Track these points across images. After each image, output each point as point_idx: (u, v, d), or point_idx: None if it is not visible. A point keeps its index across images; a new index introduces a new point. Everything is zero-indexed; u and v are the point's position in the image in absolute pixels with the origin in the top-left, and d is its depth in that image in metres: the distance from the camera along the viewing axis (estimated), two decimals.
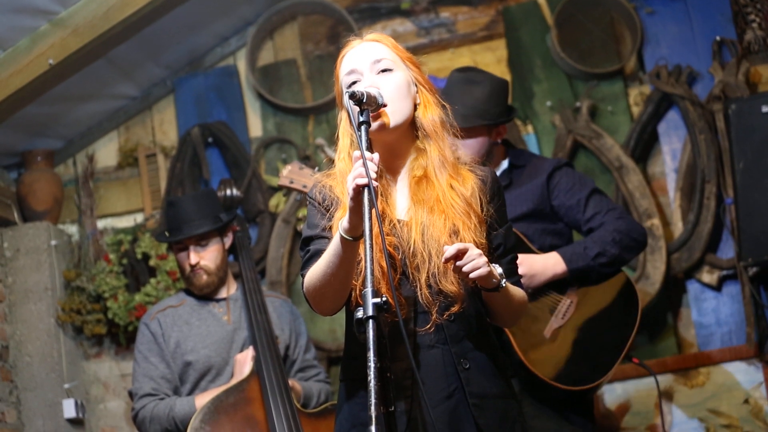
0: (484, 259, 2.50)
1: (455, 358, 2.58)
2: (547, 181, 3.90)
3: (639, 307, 3.79)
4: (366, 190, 2.40)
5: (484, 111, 3.85)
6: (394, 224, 2.61)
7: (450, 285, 2.57)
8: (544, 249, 3.82)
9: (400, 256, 2.58)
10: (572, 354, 3.68)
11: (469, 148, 3.79)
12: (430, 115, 2.69)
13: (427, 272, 2.57)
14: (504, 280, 2.59)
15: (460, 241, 2.56)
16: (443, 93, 3.84)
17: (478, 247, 2.55)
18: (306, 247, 2.70)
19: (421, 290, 2.57)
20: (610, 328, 3.75)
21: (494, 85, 3.94)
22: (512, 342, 3.63)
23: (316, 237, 2.68)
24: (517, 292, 2.71)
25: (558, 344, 3.69)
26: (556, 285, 3.77)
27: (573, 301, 3.76)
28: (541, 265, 3.72)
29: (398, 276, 2.58)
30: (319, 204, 2.69)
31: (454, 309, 2.58)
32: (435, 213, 2.60)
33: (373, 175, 2.40)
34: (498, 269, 2.58)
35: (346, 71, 2.68)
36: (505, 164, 3.99)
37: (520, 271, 3.53)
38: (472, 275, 2.49)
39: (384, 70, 2.65)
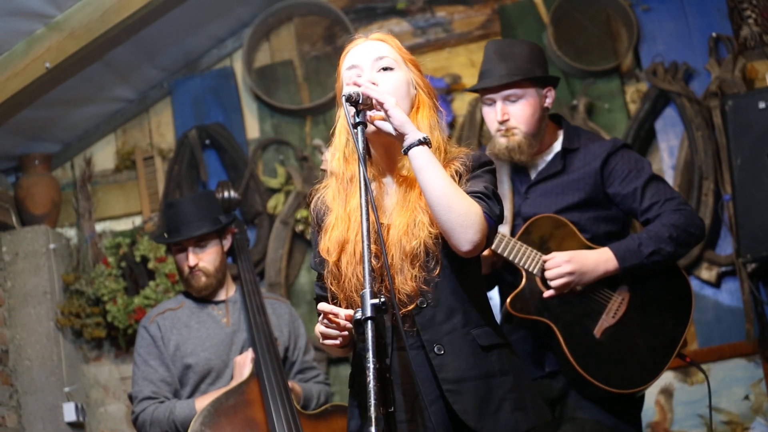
0: (393, 100, 2.54)
1: (427, 345, 2.57)
2: (602, 169, 3.69)
3: (692, 301, 3.65)
4: (364, 192, 2.44)
5: (528, 69, 3.66)
6: (375, 230, 2.61)
7: (404, 284, 2.57)
8: (598, 237, 3.67)
9: (379, 263, 2.56)
10: (623, 355, 3.55)
11: (520, 111, 3.63)
12: (422, 117, 2.69)
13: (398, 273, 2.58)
14: (424, 146, 2.52)
15: (415, 236, 2.57)
16: (483, 64, 3.74)
17: (434, 239, 2.56)
18: (315, 281, 2.79)
19: (399, 292, 2.57)
20: (662, 326, 3.61)
21: (533, 47, 3.76)
22: (560, 341, 3.54)
23: (319, 276, 2.74)
24: (453, 184, 2.54)
25: (609, 344, 3.56)
26: (607, 281, 3.61)
27: (624, 299, 3.61)
28: (593, 262, 3.55)
29: (379, 282, 2.57)
30: (315, 221, 2.74)
31: (410, 307, 2.57)
32: (404, 212, 2.62)
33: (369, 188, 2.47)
34: (419, 134, 2.53)
35: (347, 66, 2.71)
36: (557, 147, 3.78)
37: (571, 268, 3.51)
38: (371, 93, 2.52)
39: (385, 69, 2.67)
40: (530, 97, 3.66)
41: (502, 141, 3.65)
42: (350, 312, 2.49)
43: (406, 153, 2.54)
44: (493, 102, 3.67)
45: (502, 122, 3.64)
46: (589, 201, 3.69)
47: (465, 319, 2.61)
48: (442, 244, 2.57)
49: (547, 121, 3.76)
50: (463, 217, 2.49)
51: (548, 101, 3.72)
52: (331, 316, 2.48)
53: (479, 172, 2.66)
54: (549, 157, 3.77)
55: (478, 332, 2.62)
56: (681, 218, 3.61)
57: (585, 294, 3.60)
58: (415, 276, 2.56)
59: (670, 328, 3.61)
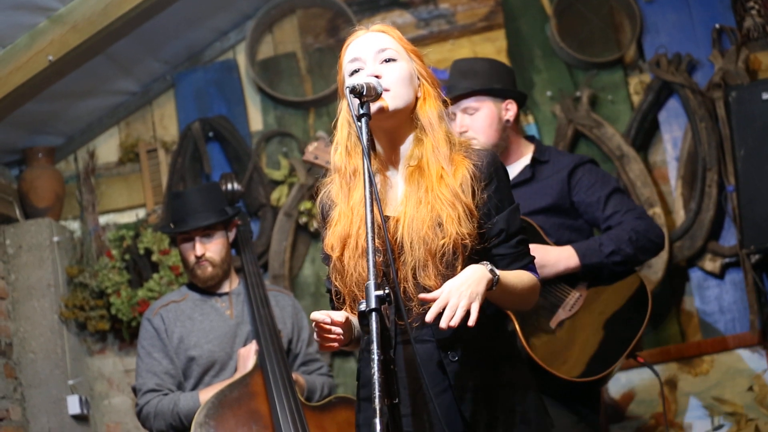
0: (460, 296, 2.42)
1: (441, 351, 2.56)
2: (569, 177, 3.91)
3: (649, 310, 3.76)
4: (369, 184, 2.44)
5: (484, 83, 3.92)
6: (379, 224, 2.58)
7: (428, 279, 2.54)
8: (561, 244, 3.80)
9: (381, 258, 2.55)
10: (576, 345, 3.67)
11: (477, 123, 3.86)
12: (429, 108, 2.67)
13: (411, 265, 2.56)
14: (497, 276, 2.51)
15: (444, 233, 2.53)
16: (448, 81, 3.93)
17: (462, 239, 2.53)
18: (327, 276, 2.76)
19: (406, 284, 2.56)
20: (617, 325, 3.72)
21: (495, 64, 4.00)
22: (518, 331, 3.63)
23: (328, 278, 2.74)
24: (521, 277, 2.63)
25: (562, 335, 3.68)
26: (567, 278, 3.75)
27: (582, 295, 3.74)
28: (555, 257, 3.71)
29: (381, 276, 2.54)
30: (321, 216, 2.76)
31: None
32: (422, 205, 2.59)
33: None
34: (487, 266, 2.51)
35: (349, 59, 2.69)
36: (528, 158, 4.00)
37: None
38: (470, 322, 2.42)
39: (388, 60, 2.66)
40: (487, 109, 3.91)
41: None
42: (339, 317, 2.51)
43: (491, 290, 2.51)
44: (456, 116, 3.92)
45: (461, 134, 3.85)
46: (556, 207, 3.89)
47: (479, 327, 2.52)
48: (470, 247, 2.56)
49: (509, 132, 3.98)
50: (530, 301, 2.71)
51: (509, 114, 3.96)
52: (322, 324, 2.48)
53: (499, 185, 2.65)
54: (520, 166, 3.98)
55: (491, 342, 2.63)
56: (642, 225, 3.81)
57: (544, 288, 3.68)
58: (441, 274, 2.53)
59: (622, 328, 3.73)
